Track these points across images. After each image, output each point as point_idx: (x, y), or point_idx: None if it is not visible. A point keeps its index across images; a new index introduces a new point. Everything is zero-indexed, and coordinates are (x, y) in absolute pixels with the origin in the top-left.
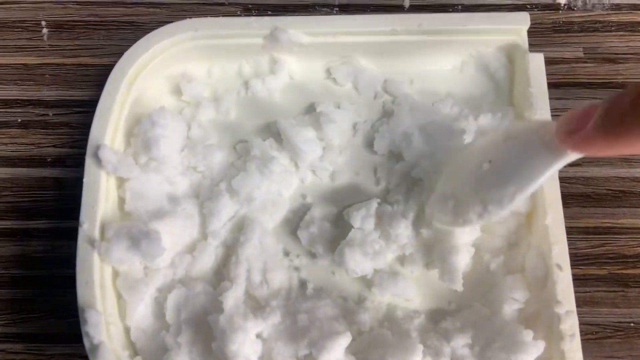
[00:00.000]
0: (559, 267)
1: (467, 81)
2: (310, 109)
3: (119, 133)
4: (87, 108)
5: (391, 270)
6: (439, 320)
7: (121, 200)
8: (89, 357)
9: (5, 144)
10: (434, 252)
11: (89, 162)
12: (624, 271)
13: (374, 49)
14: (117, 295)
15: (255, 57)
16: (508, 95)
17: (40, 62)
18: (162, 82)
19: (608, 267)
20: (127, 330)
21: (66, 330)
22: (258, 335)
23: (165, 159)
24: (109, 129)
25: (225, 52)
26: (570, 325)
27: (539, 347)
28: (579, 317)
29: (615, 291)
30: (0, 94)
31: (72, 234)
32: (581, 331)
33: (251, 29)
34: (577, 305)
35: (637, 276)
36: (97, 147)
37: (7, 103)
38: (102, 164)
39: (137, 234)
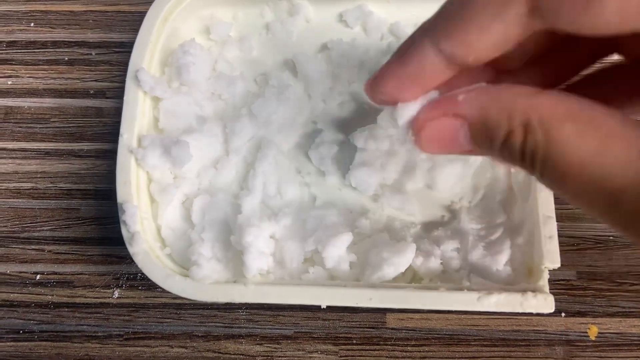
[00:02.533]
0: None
1: None
2: (324, 48)
3: (154, 62)
4: (125, 49)
5: (394, 186)
6: (433, 230)
7: (155, 120)
8: (126, 244)
9: (55, 78)
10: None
11: (129, 83)
12: None
13: None
14: (150, 199)
15: (275, 2)
16: None
17: (85, 9)
18: (192, 23)
19: None
20: (158, 228)
21: (104, 235)
22: (271, 236)
23: (194, 84)
24: (146, 57)
25: None
26: (549, 229)
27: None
28: (562, 231)
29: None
30: (50, 36)
31: (111, 155)
32: (563, 243)
33: None
34: (559, 220)
35: None
36: (137, 70)
37: (56, 44)
38: (140, 84)
39: (168, 142)
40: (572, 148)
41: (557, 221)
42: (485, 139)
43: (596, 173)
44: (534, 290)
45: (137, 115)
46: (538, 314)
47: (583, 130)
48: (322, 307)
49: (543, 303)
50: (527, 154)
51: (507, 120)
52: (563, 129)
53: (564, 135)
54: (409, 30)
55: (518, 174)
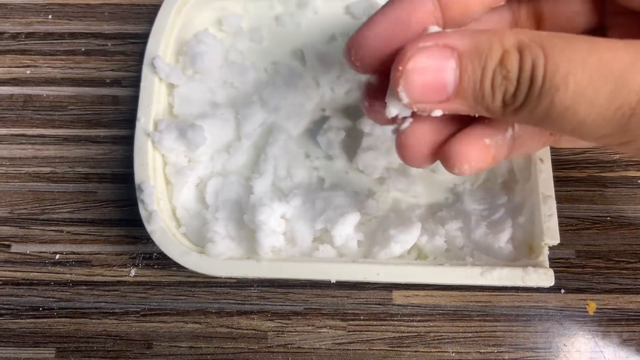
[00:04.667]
0: (541, 160)
1: None
2: (332, 39)
3: (169, 51)
4: (139, 40)
5: (399, 169)
6: (437, 211)
7: (170, 106)
8: (143, 223)
9: (72, 67)
10: None
11: (145, 70)
12: (601, 174)
13: None
14: (166, 181)
15: None
16: None
17: (101, 2)
18: (205, 15)
19: (587, 171)
20: (173, 209)
21: (121, 217)
22: (282, 216)
23: (208, 72)
24: (161, 46)
25: None
26: (549, 207)
27: (509, 229)
28: (561, 212)
29: (593, 190)
30: (68, 27)
31: (127, 141)
32: (562, 223)
33: None
34: (559, 202)
35: (614, 178)
36: (153, 58)
37: (74, 35)
38: (156, 71)
39: (184, 126)
40: (569, 48)
41: (556, 202)
42: (478, 68)
43: (596, 62)
44: (534, 266)
45: (153, 100)
46: (538, 289)
47: (574, 38)
48: (331, 283)
49: (543, 277)
50: (525, 68)
51: (500, 42)
52: (555, 40)
53: (557, 43)
54: None
55: (519, 159)
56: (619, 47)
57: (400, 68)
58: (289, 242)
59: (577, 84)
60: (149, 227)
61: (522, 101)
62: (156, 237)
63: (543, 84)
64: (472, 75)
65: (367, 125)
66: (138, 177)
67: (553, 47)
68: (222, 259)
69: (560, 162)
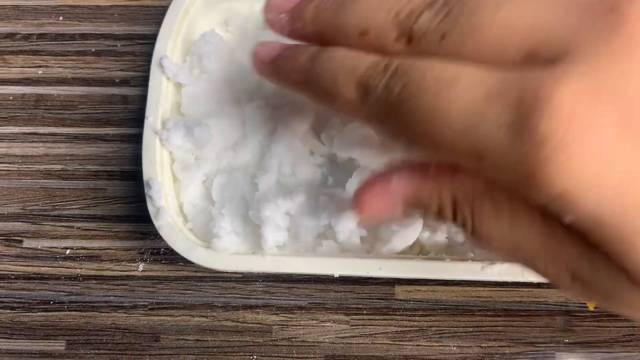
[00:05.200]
0: None
1: None
2: None
3: (176, 52)
4: (148, 40)
5: None
6: None
7: (177, 105)
8: (151, 218)
9: (82, 68)
10: None
11: (153, 69)
12: None
13: None
14: (173, 178)
15: None
16: None
17: (110, 4)
18: (211, 16)
19: None
20: (180, 205)
21: (129, 213)
22: (286, 212)
23: (214, 71)
24: (169, 46)
25: None
26: None
27: None
28: None
29: None
30: (78, 29)
31: (135, 139)
32: None
33: None
34: None
35: None
36: (161, 58)
37: (84, 36)
38: (164, 70)
39: (191, 124)
40: (492, 223)
41: None
42: (420, 212)
43: (511, 243)
44: None
45: (161, 99)
46: (539, 284)
47: (499, 207)
48: (335, 278)
49: None
50: (459, 224)
51: (437, 198)
52: (484, 207)
53: (485, 212)
54: None
55: None
56: (535, 232)
57: (356, 213)
58: (293, 237)
59: (497, 250)
60: (157, 223)
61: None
62: (164, 233)
63: (472, 239)
64: (415, 213)
65: None
66: (146, 174)
67: (481, 214)
68: (228, 253)
69: None
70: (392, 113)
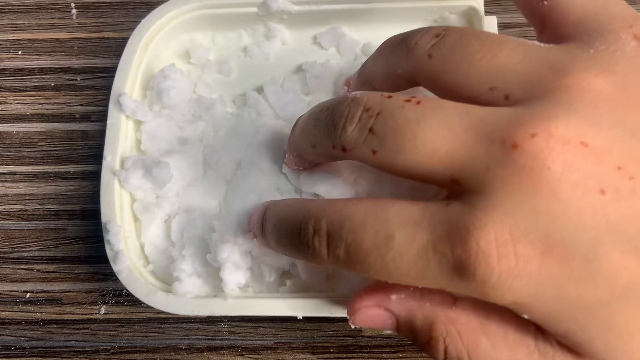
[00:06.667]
0: None
1: None
2: (299, 69)
3: (136, 87)
4: (108, 74)
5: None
6: None
7: (138, 142)
8: (110, 262)
9: (42, 103)
10: None
11: (111, 107)
12: None
13: (354, 17)
14: (134, 218)
15: (252, 26)
16: None
17: (70, 37)
18: (173, 48)
19: None
20: (142, 246)
21: (91, 254)
22: (249, 252)
23: (175, 107)
24: (128, 82)
25: (226, 22)
26: None
27: None
28: None
29: None
30: (37, 63)
31: (96, 176)
32: None
33: None
34: None
35: None
36: (119, 95)
37: (43, 70)
38: (122, 108)
39: (150, 164)
40: (491, 357)
41: None
42: (410, 335)
43: None
44: None
45: (120, 138)
46: None
47: (496, 343)
48: (298, 318)
49: None
50: (451, 357)
51: (430, 328)
52: (480, 343)
53: (482, 348)
54: None
55: None
56: None
57: (349, 317)
58: (256, 278)
59: None
60: (116, 267)
61: None
62: (122, 277)
63: None
64: (406, 336)
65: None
66: (104, 217)
67: (477, 351)
68: (189, 297)
69: None
70: (352, 268)
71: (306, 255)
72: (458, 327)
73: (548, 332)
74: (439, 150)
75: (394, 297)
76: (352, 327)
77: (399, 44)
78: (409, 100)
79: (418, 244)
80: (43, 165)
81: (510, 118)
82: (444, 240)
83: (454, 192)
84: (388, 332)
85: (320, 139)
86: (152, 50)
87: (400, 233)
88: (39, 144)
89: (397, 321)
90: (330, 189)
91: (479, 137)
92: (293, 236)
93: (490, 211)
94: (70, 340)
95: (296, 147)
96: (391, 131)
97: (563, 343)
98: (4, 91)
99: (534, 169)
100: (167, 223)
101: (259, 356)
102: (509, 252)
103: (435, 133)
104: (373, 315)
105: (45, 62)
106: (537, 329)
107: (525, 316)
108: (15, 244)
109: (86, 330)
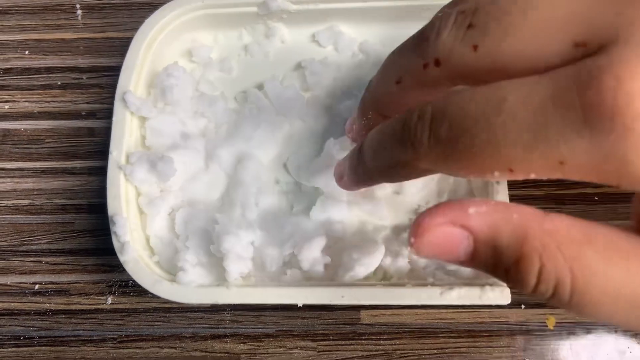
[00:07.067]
0: (497, 182)
1: None
2: (298, 67)
3: (140, 85)
4: (113, 72)
5: (365, 193)
6: (401, 232)
7: (142, 138)
8: (117, 254)
9: (48, 101)
10: None
11: (117, 104)
12: (559, 191)
13: (351, 15)
14: (139, 211)
15: (252, 25)
16: None
17: (75, 37)
18: (175, 47)
19: (545, 189)
20: (147, 238)
21: (97, 246)
22: (250, 243)
23: (178, 104)
24: (133, 80)
25: (227, 21)
26: None
27: None
28: None
29: (552, 207)
30: (44, 62)
31: (102, 172)
32: None
33: None
34: None
35: (572, 195)
36: (124, 93)
37: (50, 69)
38: (127, 105)
39: (154, 158)
40: (603, 276)
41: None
42: (491, 258)
43: (631, 297)
44: (492, 284)
45: (125, 134)
46: (497, 306)
47: (606, 255)
48: (299, 306)
49: (500, 295)
50: (547, 281)
51: (520, 244)
52: (586, 256)
53: (589, 262)
54: (377, 47)
55: (478, 180)
56: None
57: (412, 240)
58: (258, 267)
59: (609, 312)
60: (122, 258)
61: (541, 295)
62: (129, 267)
63: (570, 301)
64: (484, 260)
65: (333, 149)
66: (111, 210)
67: (584, 266)
68: (193, 286)
69: (517, 182)
70: (451, 153)
71: (406, 147)
72: (557, 239)
73: None
74: (555, 14)
75: (472, 209)
76: (415, 256)
77: (417, 40)
78: None
79: (536, 100)
80: (50, 161)
81: None
82: (569, 88)
83: (579, 60)
84: (454, 267)
85: (409, 64)
86: (155, 49)
87: (514, 94)
88: (46, 140)
89: (477, 241)
90: (330, 180)
91: None
92: (395, 131)
93: (631, 49)
94: (78, 330)
95: (374, 98)
96: (494, 15)
97: None
98: (11, 90)
99: None
100: (171, 216)
101: (260, 344)
102: None
103: None
104: (445, 235)
105: (52, 61)
106: None
107: None
108: (24, 238)
109: (93, 320)
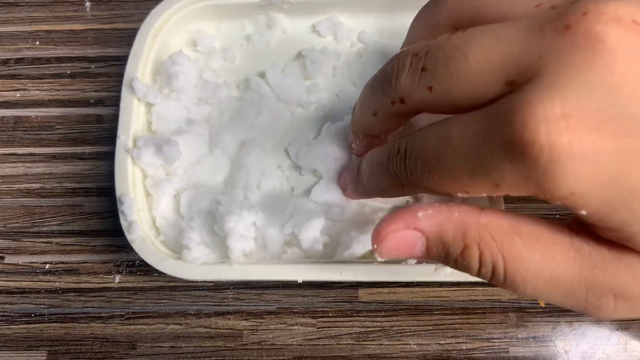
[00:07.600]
0: None
1: None
2: (299, 56)
3: (147, 72)
4: (120, 62)
5: None
6: None
7: (149, 123)
8: (124, 233)
9: (58, 90)
10: None
11: (124, 91)
12: None
13: (350, 7)
14: (146, 193)
15: (254, 16)
16: None
17: (84, 28)
18: (180, 37)
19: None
20: (153, 219)
21: (105, 228)
22: (253, 223)
23: (183, 91)
24: (139, 68)
25: (230, 12)
26: (499, 203)
27: None
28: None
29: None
30: (54, 52)
31: (110, 156)
32: None
33: None
34: (511, 202)
35: None
36: (131, 80)
37: (59, 59)
38: (134, 91)
39: (160, 142)
40: (526, 259)
41: (506, 203)
42: (442, 251)
43: (548, 276)
44: None
45: (132, 119)
46: (490, 284)
47: (529, 243)
48: (299, 282)
49: None
50: (486, 265)
51: (462, 237)
52: (514, 243)
53: (516, 249)
54: (374, 37)
55: None
56: (569, 260)
57: (375, 246)
58: (260, 246)
59: (533, 289)
60: (130, 236)
61: (482, 277)
62: (136, 246)
63: (504, 280)
64: (437, 254)
65: (329, 133)
66: (118, 190)
67: (512, 252)
68: (197, 264)
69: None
70: (421, 179)
71: (391, 176)
72: (490, 231)
73: (600, 228)
74: (490, 58)
75: (420, 213)
76: (379, 259)
77: (382, 82)
78: (453, 32)
79: (471, 135)
80: (60, 146)
81: (560, 9)
82: (492, 127)
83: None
84: (414, 262)
85: (379, 102)
86: (161, 39)
87: (456, 130)
88: (56, 127)
89: (428, 239)
90: (328, 165)
91: (530, 33)
92: (382, 162)
93: (540, 90)
94: (87, 307)
95: (359, 125)
96: (442, 61)
97: (610, 238)
98: (23, 79)
99: (587, 45)
100: (176, 198)
101: (262, 320)
102: (560, 128)
103: (485, 44)
104: (401, 238)
105: (62, 51)
106: (571, 231)
107: (583, 212)
108: (35, 219)
109: (102, 298)
